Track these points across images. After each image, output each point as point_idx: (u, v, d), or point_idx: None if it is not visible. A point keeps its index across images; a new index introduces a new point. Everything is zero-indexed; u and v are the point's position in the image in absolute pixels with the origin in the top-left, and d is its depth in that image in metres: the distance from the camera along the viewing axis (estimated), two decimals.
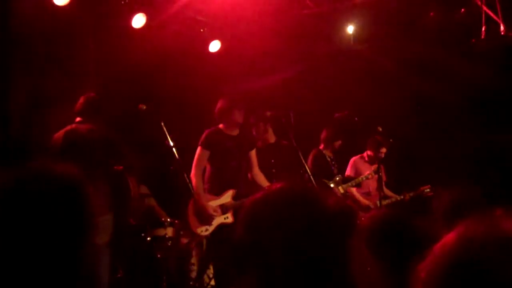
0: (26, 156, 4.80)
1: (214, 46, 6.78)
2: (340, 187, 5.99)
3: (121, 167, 4.48)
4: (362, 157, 6.65)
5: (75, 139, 4.49)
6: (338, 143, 6.41)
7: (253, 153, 5.30)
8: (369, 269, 2.14)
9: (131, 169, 4.54)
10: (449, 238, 1.05)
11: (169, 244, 4.78)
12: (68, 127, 4.58)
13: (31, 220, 1.41)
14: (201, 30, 6.77)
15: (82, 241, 1.50)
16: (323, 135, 6.46)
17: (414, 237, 2.14)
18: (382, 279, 2.13)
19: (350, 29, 7.00)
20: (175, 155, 4.86)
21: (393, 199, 6.35)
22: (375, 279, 2.15)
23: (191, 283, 4.80)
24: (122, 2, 6.01)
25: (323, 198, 1.62)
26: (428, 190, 6.35)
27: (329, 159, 6.29)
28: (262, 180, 5.29)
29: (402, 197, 6.38)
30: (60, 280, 1.45)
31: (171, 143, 4.82)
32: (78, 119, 4.66)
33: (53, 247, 1.43)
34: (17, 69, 5.46)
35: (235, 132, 5.16)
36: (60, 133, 4.57)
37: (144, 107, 4.80)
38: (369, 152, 6.54)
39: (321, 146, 6.45)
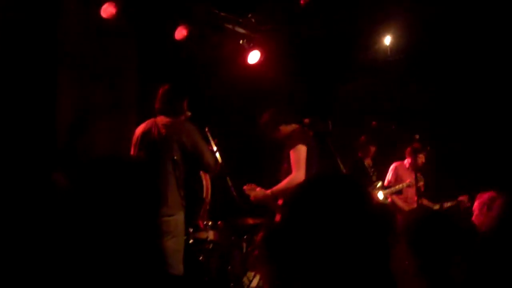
0: (73, 166, 4.95)
1: (253, 57, 6.88)
2: (380, 192, 6.01)
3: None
4: (403, 164, 6.69)
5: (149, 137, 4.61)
6: (373, 149, 6.46)
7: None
8: (406, 263, 2.20)
9: (209, 166, 4.63)
10: None
11: (210, 247, 4.87)
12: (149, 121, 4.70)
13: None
14: (240, 41, 6.92)
15: (147, 215, 1.73)
16: (359, 142, 6.53)
17: (452, 235, 2.19)
18: (418, 274, 2.19)
19: (387, 40, 7.06)
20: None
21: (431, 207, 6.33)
22: (412, 273, 2.21)
23: (231, 284, 4.87)
24: (165, 15, 6.21)
25: (369, 193, 1.70)
26: (466, 200, 6.31)
27: (368, 166, 6.34)
28: None
29: (439, 206, 6.36)
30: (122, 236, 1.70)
31: (215, 148, 4.95)
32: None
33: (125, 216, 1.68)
34: (64, 81, 5.64)
35: None
36: (141, 126, 4.72)
37: (189, 114, 4.90)
38: (409, 160, 6.58)
39: (360, 154, 6.51)
